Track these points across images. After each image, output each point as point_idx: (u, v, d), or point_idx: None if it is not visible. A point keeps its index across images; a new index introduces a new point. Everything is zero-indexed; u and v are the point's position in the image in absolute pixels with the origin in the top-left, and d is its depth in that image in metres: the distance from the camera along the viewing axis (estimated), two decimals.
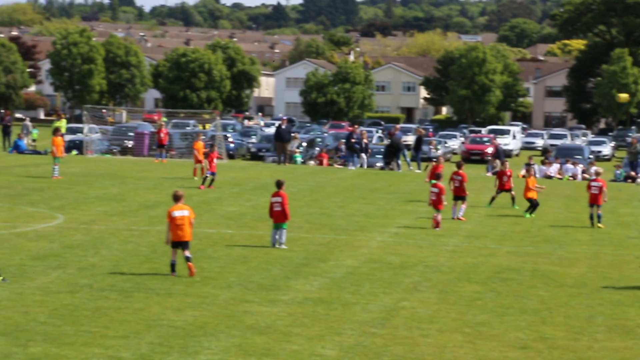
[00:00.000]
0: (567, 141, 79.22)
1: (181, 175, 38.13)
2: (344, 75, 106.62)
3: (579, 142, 80.00)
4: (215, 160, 34.57)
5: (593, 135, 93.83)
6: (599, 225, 27.06)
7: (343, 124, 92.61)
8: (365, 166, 46.59)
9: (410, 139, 69.28)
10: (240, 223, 25.71)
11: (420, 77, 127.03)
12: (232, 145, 60.24)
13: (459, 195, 27.95)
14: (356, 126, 56.06)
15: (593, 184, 27.43)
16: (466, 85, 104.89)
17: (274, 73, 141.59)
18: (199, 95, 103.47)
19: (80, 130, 60.53)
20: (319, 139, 63.24)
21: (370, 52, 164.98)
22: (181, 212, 18.08)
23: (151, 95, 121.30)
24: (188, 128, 70.85)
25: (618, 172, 47.31)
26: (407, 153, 49.06)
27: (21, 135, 54.65)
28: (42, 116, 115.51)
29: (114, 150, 55.36)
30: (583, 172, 47.11)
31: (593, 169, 45.73)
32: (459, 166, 28.95)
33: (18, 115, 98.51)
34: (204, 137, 58.45)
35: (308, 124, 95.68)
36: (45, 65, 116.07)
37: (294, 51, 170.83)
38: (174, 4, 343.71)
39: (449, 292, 17.67)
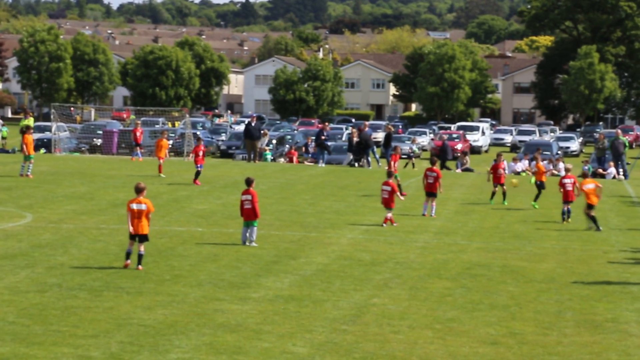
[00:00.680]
0: (536, 137, 79.68)
1: (150, 173, 37.98)
2: (313, 72, 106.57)
3: (547, 138, 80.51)
4: (200, 153, 35.16)
5: (561, 131, 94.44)
6: (569, 221, 27.24)
7: (313, 121, 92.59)
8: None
9: (379, 135, 69.43)
10: (210, 221, 25.65)
11: (390, 74, 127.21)
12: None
13: (433, 191, 27.93)
14: (326, 123, 56.00)
15: (565, 180, 27.57)
16: (435, 82, 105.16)
17: (243, 70, 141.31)
18: (168, 93, 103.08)
19: (48, 129, 60.09)
20: (288, 137, 63.19)
21: (339, 49, 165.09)
22: (139, 205, 18.59)
23: (120, 93, 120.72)
24: (157, 126, 70.56)
25: (586, 167, 47.54)
26: (377, 150, 49.18)
27: None
28: (9, 114, 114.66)
29: (83, 149, 55.04)
30: (551, 165, 47.47)
31: (560, 164, 46.14)
32: (433, 163, 28.97)
33: None
34: (172, 134, 58.39)
35: (278, 122, 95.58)
36: (13, 63, 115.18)
37: (263, 48, 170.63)
38: (142, 1, 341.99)
39: (419, 288, 17.72)
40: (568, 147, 73.06)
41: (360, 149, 46.79)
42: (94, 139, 57.78)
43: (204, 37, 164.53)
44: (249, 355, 13.02)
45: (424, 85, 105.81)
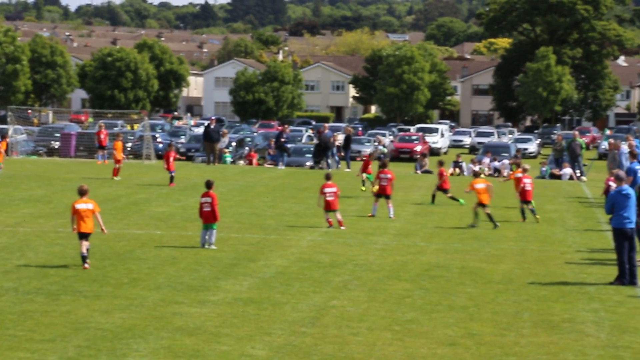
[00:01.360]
0: (494, 139, 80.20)
1: (107, 175, 37.73)
2: (272, 74, 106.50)
3: (505, 139, 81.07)
4: (171, 159, 35.45)
5: (519, 133, 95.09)
6: (537, 217, 27.70)
7: (272, 123, 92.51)
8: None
9: (339, 137, 69.44)
10: (169, 224, 25.55)
11: (349, 76, 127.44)
12: (160, 145, 59.76)
13: (385, 194, 27.98)
14: (286, 125, 55.93)
15: (525, 180, 28.04)
16: (394, 84, 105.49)
17: (203, 73, 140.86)
18: (127, 95, 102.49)
19: (5, 132, 59.46)
20: (248, 139, 63.06)
21: (298, 51, 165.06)
22: (85, 205, 19.02)
23: (78, 95, 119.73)
24: (116, 128, 70.14)
25: (544, 169, 48.00)
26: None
27: None
28: None
29: (40, 152, 54.59)
30: (508, 165, 47.98)
31: (507, 166, 46.79)
32: (384, 165, 28.91)
33: None
34: (131, 137, 58.04)
35: (237, 124, 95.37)
36: None
37: (223, 50, 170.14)
38: (100, 3, 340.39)
39: (378, 290, 17.76)
40: (526, 149, 73.55)
41: (320, 151, 46.88)
42: (52, 142, 57.33)
43: (163, 39, 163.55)
44: (207, 359, 12.99)
45: (384, 87, 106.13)
